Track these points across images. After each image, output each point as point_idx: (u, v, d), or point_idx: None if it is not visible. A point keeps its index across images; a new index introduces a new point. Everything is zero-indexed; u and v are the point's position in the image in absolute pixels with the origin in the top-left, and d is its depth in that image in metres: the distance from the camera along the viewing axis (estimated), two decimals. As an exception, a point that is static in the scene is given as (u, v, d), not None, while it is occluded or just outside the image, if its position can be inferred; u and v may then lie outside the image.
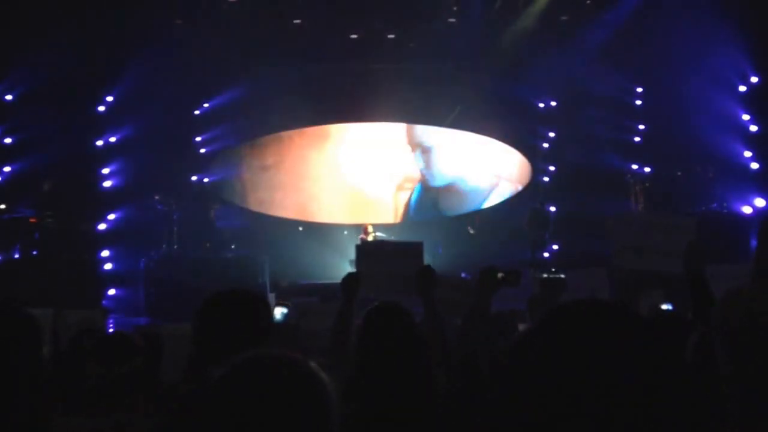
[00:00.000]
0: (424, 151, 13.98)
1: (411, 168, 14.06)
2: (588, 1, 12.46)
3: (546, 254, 12.69)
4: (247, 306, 2.22)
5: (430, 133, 14.01)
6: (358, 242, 11.98)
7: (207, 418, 1.17)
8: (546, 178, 13.72)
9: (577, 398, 1.08)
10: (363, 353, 2.68)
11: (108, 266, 11.93)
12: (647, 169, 12.98)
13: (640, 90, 13.33)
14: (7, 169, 11.50)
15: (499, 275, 3.02)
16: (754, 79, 11.82)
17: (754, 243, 11.11)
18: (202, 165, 13.37)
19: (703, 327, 2.26)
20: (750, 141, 11.79)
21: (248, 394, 1.17)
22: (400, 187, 14.03)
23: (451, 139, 13.92)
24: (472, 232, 13.31)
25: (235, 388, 1.18)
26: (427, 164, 13.97)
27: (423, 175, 13.99)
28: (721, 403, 1.58)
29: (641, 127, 13.19)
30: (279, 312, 10.06)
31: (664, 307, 7.02)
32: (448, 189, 14.00)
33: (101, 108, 12.46)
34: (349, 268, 10.02)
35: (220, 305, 2.22)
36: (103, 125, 12.41)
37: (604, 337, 1.12)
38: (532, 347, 1.15)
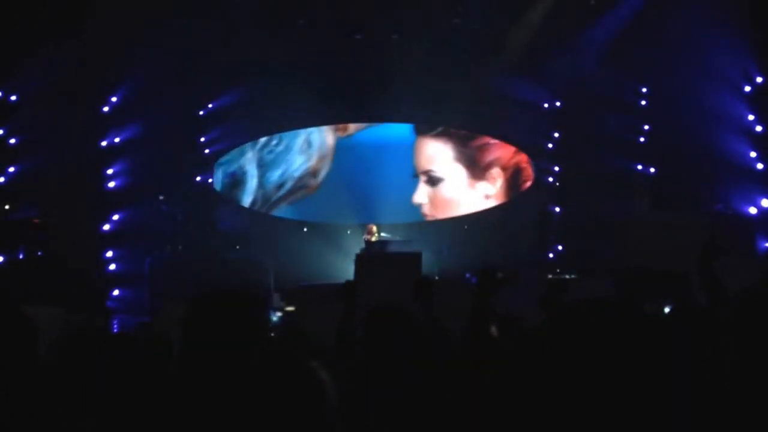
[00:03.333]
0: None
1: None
2: (592, 1, 12.42)
3: (551, 255, 12.67)
4: (236, 308, 2.19)
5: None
6: (362, 242, 11.99)
7: (208, 415, 1.17)
8: (551, 179, 13.70)
9: (583, 397, 1.07)
10: (366, 353, 2.68)
11: (112, 267, 11.97)
12: (652, 170, 12.96)
13: (644, 90, 13.30)
14: (11, 169, 11.51)
15: (498, 275, 3.02)
16: (759, 80, 11.77)
17: (760, 243, 11.11)
18: (206, 165, 13.38)
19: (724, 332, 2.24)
20: (755, 141, 11.74)
21: (249, 392, 1.17)
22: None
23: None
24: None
25: (237, 386, 1.18)
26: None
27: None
28: (730, 400, 1.57)
29: (646, 127, 13.16)
30: (283, 312, 10.10)
31: (668, 310, 6.99)
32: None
33: (106, 108, 12.47)
34: (353, 269, 10.05)
35: (209, 307, 2.19)
36: (107, 126, 12.42)
37: (612, 336, 1.12)
38: (541, 346, 1.14)
